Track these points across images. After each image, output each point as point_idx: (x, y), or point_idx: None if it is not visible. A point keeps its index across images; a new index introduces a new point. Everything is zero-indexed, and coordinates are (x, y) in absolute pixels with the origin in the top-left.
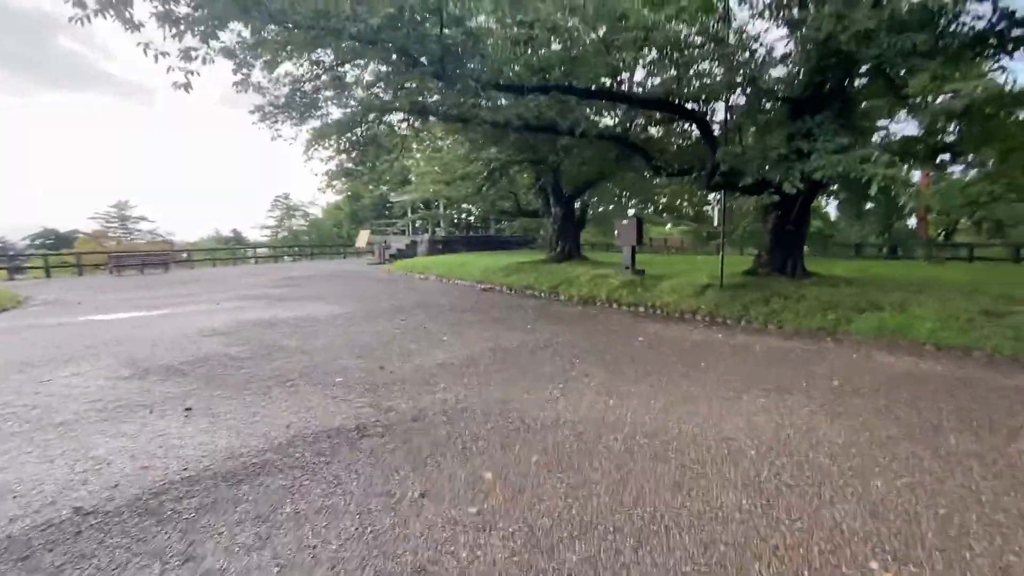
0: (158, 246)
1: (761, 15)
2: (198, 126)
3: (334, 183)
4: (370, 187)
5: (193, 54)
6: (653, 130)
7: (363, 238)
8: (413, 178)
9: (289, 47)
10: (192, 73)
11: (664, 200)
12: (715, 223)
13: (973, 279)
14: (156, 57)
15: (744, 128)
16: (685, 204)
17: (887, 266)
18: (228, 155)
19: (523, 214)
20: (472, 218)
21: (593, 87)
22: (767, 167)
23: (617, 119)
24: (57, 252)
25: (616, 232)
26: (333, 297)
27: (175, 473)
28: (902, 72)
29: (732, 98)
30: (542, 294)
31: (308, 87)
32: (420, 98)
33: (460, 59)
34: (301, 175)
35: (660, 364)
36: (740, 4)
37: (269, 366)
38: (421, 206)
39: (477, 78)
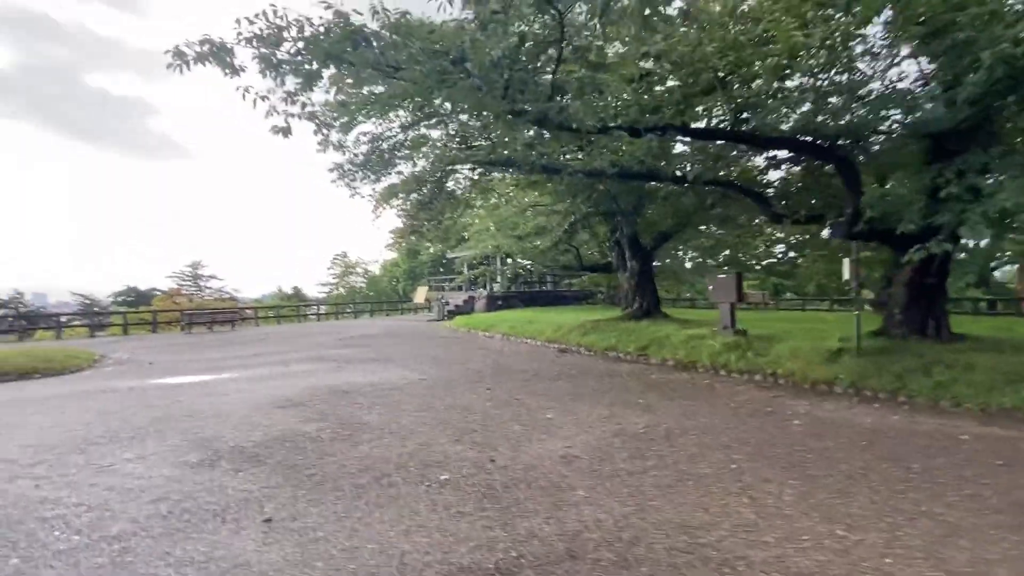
0: (225, 303)
1: (904, 40)
2: (268, 191)
3: (401, 240)
4: (427, 244)
5: (294, 99)
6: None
7: (421, 294)
8: (467, 235)
9: (371, 105)
10: (293, 116)
11: (726, 253)
12: (844, 276)
13: None
14: (255, 102)
15: (867, 170)
16: (743, 256)
17: None
18: (293, 218)
19: (584, 268)
20: (529, 273)
21: (710, 126)
22: (930, 211)
23: (693, 164)
24: (136, 310)
25: (710, 288)
26: (403, 359)
27: None
28: None
29: (869, 135)
30: (629, 357)
31: (386, 145)
32: (507, 151)
33: (565, 101)
34: (358, 235)
35: (855, 465)
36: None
37: (356, 453)
38: (479, 262)
39: (594, 119)
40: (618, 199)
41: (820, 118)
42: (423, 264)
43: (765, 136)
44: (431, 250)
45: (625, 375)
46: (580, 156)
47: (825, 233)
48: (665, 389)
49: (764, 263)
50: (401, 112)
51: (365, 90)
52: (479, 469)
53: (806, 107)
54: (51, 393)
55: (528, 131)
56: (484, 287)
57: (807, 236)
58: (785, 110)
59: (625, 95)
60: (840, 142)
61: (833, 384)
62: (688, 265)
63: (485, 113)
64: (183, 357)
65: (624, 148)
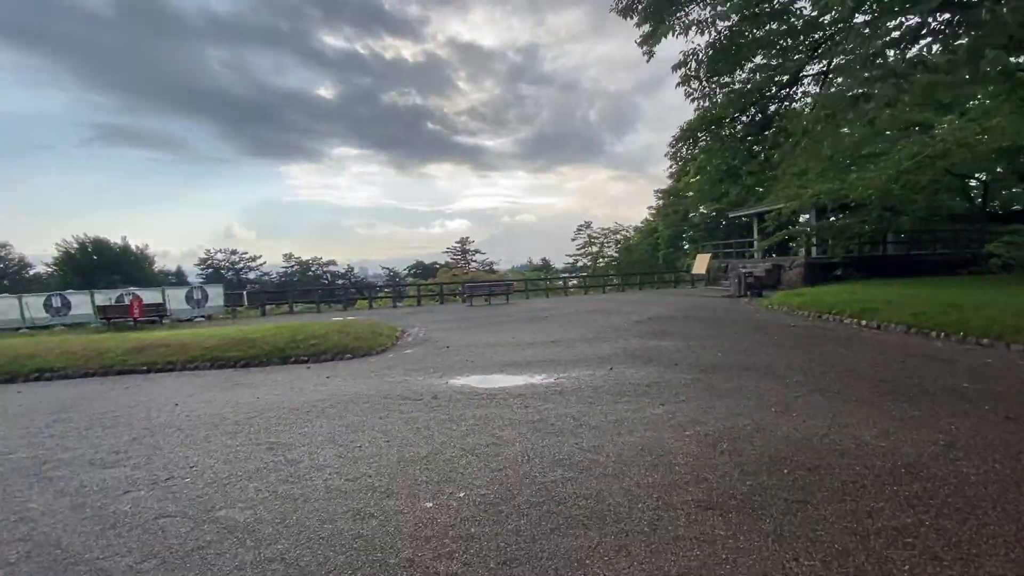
0: (491, 275)
1: None
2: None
3: (667, 198)
4: (699, 205)
5: None
6: None
7: (702, 263)
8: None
9: None
10: None
11: None
12: None
13: None
14: None
15: None
16: None
17: None
18: (547, 197)
19: (985, 218)
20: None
21: None
22: None
23: None
24: (426, 282)
25: None
26: (783, 369)
27: None
28: None
29: None
30: None
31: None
32: None
33: None
34: (609, 207)
35: None
36: None
37: None
38: (792, 216)
39: None
40: None
41: None
42: (694, 227)
43: None
44: (703, 209)
45: None
46: None
47: None
48: None
49: None
50: None
51: None
52: None
53: None
54: (351, 393)
55: None
56: (798, 253)
57: None
58: None
59: None
60: None
61: None
62: None
63: None
64: (476, 338)
65: None
